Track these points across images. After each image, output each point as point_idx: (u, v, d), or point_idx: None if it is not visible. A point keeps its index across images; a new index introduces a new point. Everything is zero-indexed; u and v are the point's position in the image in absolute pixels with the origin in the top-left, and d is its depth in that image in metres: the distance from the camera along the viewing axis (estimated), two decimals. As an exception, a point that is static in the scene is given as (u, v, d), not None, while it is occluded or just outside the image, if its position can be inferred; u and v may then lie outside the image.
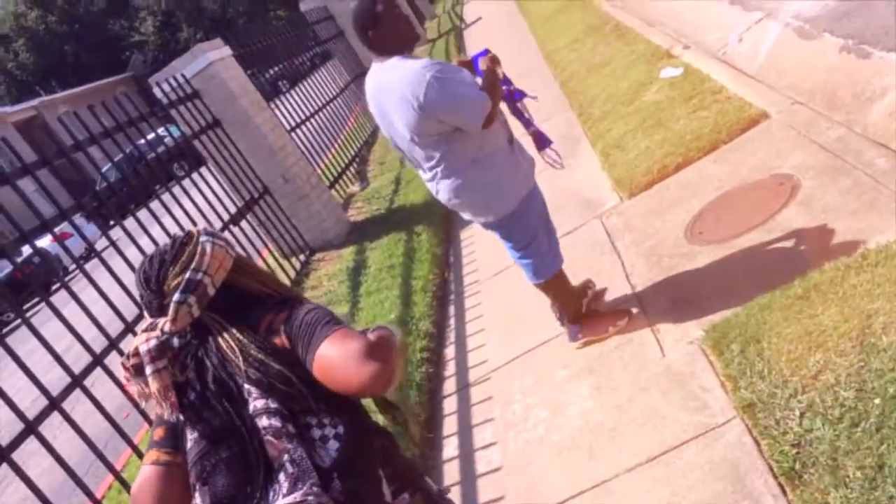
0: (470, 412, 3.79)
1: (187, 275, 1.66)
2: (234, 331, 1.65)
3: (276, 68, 11.29)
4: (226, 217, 6.05)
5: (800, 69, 5.04)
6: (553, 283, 3.57)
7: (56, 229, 4.20)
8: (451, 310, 5.01)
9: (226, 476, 1.60)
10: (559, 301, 3.67)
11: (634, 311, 3.65)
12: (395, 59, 3.09)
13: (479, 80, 3.15)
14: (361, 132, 10.97)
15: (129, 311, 4.20)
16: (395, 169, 8.68)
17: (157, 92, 6.04)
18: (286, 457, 1.56)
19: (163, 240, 4.62)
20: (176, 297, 1.65)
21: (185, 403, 1.66)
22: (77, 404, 3.76)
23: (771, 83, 5.12)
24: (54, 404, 3.35)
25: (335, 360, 1.55)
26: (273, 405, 1.59)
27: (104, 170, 5.51)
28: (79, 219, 5.14)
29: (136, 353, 1.68)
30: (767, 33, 5.87)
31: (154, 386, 1.64)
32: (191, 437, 1.66)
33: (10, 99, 43.64)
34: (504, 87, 3.32)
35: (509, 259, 4.88)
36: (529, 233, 3.43)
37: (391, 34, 3.08)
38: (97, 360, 3.76)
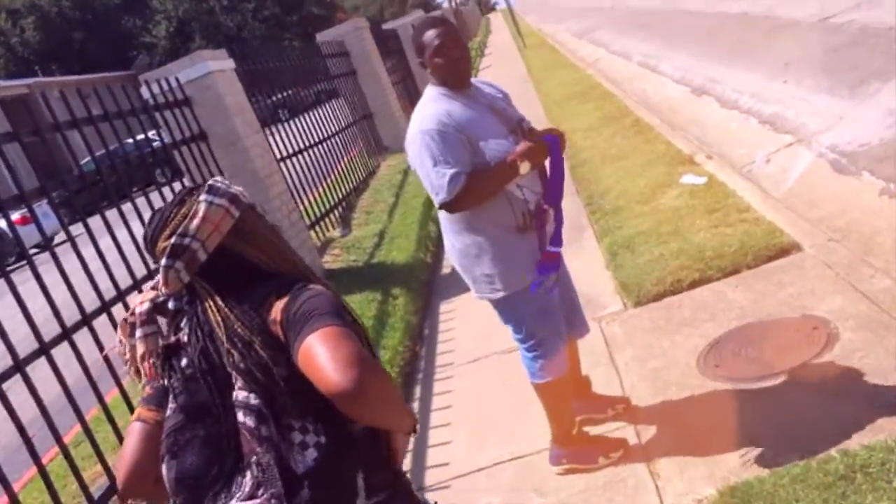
0: (420, 526, 3.22)
1: (173, 240, 1.60)
2: (222, 304, 1.57)
3: (279, 96, 10.88)
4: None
5: (833, 204, 4.68)
6: (546, 389, 3.08)
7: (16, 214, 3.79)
8: (417, 391, 4.47)
9: (197, 454, 1.55)
10: (548, 413, 3.16)
11: (631, 442, 3.15)
12: (432, 90, 2.94)
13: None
14: (354, 175, 10.49)
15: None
16: (381, 221, 8.19)
17: (144, 92, 5.54)
18: (254, 458, 1.51)
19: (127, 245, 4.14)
20: (163, 261, 1.61)
21: (176, 368, 1.61)
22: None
23: (800, 212, 4.75)
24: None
25: (320, 354, 1.44)
26: (254, 402, 1.52)
27: (82, 161, 4.96)
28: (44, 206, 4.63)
29: (134, 313, 1.69)
30: (798, 159, 5.54)
31: (139, 349, 1.66)
32: (171, 405, 1.61)
33: (6, 73, 42.93)
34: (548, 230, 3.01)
35: (492, 345, 4.44)
36: (524, 329, 3.01)
37: (431, 67, 2.89)
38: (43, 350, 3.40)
